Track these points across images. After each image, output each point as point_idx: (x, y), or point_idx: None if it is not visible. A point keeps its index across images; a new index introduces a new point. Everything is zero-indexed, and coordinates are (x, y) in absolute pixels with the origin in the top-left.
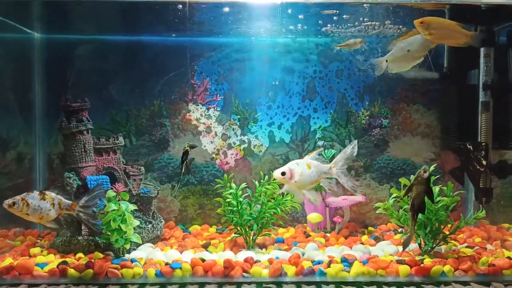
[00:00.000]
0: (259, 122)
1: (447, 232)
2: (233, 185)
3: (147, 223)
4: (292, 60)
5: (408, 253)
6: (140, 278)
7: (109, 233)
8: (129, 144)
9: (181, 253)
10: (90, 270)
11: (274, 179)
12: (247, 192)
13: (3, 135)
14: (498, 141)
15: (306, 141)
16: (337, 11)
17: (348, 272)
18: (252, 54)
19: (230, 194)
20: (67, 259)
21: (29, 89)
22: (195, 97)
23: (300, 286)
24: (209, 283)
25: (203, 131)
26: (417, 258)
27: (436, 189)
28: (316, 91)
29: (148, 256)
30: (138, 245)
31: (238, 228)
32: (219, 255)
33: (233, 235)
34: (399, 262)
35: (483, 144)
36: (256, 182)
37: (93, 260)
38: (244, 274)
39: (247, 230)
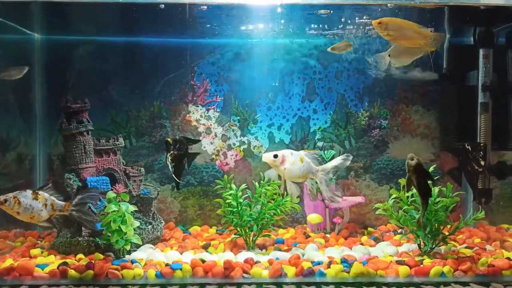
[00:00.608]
0: (259, 123)
1: (447, 233)
2: (233, 186)
3: (147, 224)
4: (292, 61)
5: (408, 254)
6: (140, 279)
7: (109, 234)
8: (129, 145)
9: (181, 254)
10: (91, 271)
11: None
12: (247, 193)
13: (3, 136)
14: (497, 142)
15: (305, 142)
16: (331, 11)
17: (348, 272)
18: (251, 55)
19: (230, 195)
20: (67, 260)
21: (29, 90)
22: (195, 98)
23: (300, 287)
24: (209, 284)
25: (203, 132)
26: (417, 258)
27: (435, 190)
28: (316, 92)
29: (148, 257)
30: (138, 246)
31: (238, 229)
32: (219, 256)
33: (233, 236)
34: (399, 262)
35: (481, 144)
36: (256, 183)
37: (93, 261)
38: (244, 275)
39: (247, 231)
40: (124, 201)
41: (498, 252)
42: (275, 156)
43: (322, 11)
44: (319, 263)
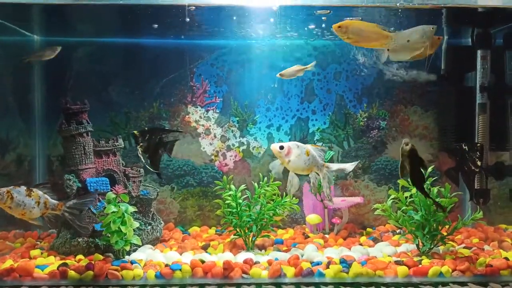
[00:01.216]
0: (258, 124)
1: (445, 233)
2: (232, 186)
3: (147, 224)
4: (291, 62)
5: (406, 254)
6: (140, 279)
7: (109, 235)
8: (128, 146)
9: (180, 254)
10: (90, 272)
11: (273, 180)
12: (246, 194)
13: (3, 137)
14: (495, 142)
15: (304, 143)
16: (330, 11)
17: (347, 273)
18: (250, 56)
19: (229, 195)
20: (67, 261)
21: (29, 91)
22: (194, 99)
23: (299, 287)
24: (209, 285)
25: (202, 133)
26: (415, 259)
27: (434, 191)
28: (315, 93)
29: (148, 258)
30: (138, 246)
31: (238, 229)
32: (218, 257)
33: (232, 236)
34: (398, 263)
35: (478, 145)
36: (255, 184)
37: (93, 262)
38: (244, 275)
39: (247, 231)
40: (124, 202)
41: (496, 252)
42: (281, 147)
43: (321, 12)
44: (318, 264)
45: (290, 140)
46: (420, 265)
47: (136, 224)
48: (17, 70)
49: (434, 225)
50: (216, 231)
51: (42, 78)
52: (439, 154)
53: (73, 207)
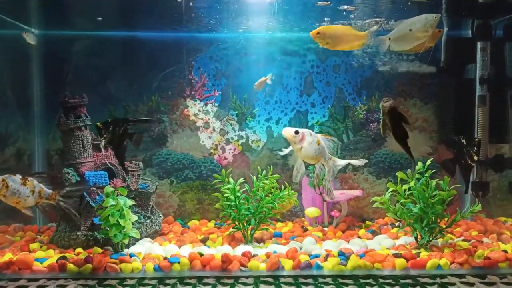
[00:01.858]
0: (257, 117)
1: (444, 226)
2: (231, 180)
3: (146, 218)
4: (290, 55)
5: (405, 247)
6: (138, 272)
7: (108, 228)
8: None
9: (179, 247)
10: (89, 265)
11: (271, 175)
12: (245, 187)
13: (2, 131)
14: (495, 134)
15: None
16: (330, 3)
17: (345, 265)
18: (249, 49)
19: (228, 189)
20: (66, 254)
21: (27, 85)
22: (193, 92)
23: (297, 280)
24: (207, 277)
25: (201, 126)
26: (414, 251)
27: (432, 183)
28: (314, 86)
29: (147, 251)
30: (137, 240)
31: (236, 222)
32: (217, 250)
33: (231, 229)
34: (396, 255)
35: (476, 140)
36: (254, 177)
37: (92, 255)
38: (242, 268)
39: (245, 224)
40: (122, 195)
41: (495, 245)
42: (296, 132)
43: (322, 3)
44: (316, 256)
45: None
46: (418, 258)
47: (135, 218)
48: (16, 64)
49: (433, 217)
50: (215, 224)
51: (41, 72)
52: (439, 146)
53: (67, 195)
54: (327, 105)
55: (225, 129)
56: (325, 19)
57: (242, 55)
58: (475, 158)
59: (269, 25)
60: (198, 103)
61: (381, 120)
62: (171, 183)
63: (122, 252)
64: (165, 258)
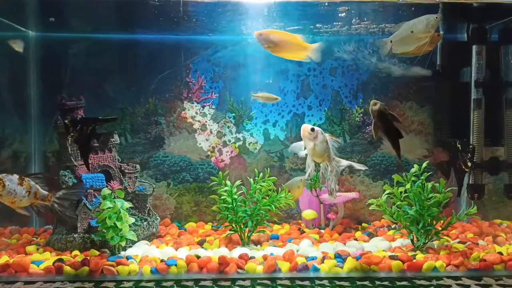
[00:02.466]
0: (254, 119)
1: (440, 228)
2: (228, 182)
3: (143, 220)
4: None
5: (401, 249)
6: (135, 275)
7: (105, 231)
8: (124, 142)
9: (176, 250)
10: (86, 267)
11: (268, 177)
12: (242, 189)
13: None
14: (490, 137)
15: (300, 139)
16: (348, 8)
17: (342, 267)
18: (247, 52)
19: (225, 191)
20: (63, 257)
21: (24, 87)
22: (190, 95)
23: (294, 282)
24: (204, 280)
25: (198, 128)
26: (410, 253)
27: (428, 186)
28: (311, 88)
29: (144, 253)
30: (133, 242)
31: (233, 225)
32: (214, 252)
33: (228, 232)
34: (392, 257)
35: (471, 146)
36: (251, 180)
37: (88, 258)
38: (239, 270)
39: (242, 227)
40: (119, 197)
41: (490, 247)
42: (312, 129)
43: (342, 9)
44: (313, 259)
45: (286, 136)
46: (414, 260)
47: (132, 220)
48: (12, 67)
49: (429, 220)
50: (212, 226)
51: (38, 74)
52: (434, 149)
53: (63, 197)
54: (324, 108)
55: (222, 131)
56: (322, 23)
57: (240, 57)
58: (469, 164)
59: (267, 28)
60: (196, 106)
61: (373, 123)
62: (168, 185)
63: (119, 255)
64: (162, 261)
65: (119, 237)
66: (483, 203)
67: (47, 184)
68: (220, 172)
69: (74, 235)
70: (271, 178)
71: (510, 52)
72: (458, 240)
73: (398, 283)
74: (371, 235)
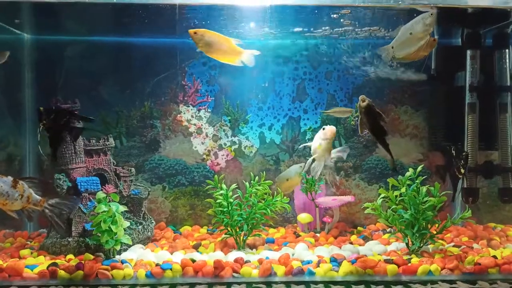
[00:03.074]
0: (250, 123)
1: (434, 232)
2: (224, 186)
3: (138, 224)
4: (282, 62)
5: (396, 253)
6: (130, 279)
7: (99, 235)
8: (119, 145)
9: (171, 254)
10: (81, 272)
11: (265, 181)
12: (238, 193)
13: None
14: (484, 142)
15: (296, 142)
16: (349, 11)
17: (337, 271)
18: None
19: (221, 195)
20: (57, 261)
21: (19, 90)
22: (186, 98)
23: (290, 286)
24: (200, 284)
25: (194, 132)
26: (405, 257)
27: (423, 189)
28: (306, 92)
29: (139, 257)
30: (128, 246)
31: (229, 228)
32: (209, 256)
33: (223, 235)
34: (387, 261)
35: (464, 153)
36: (247, 183)
37: (83, 262)
38: (234, 274)
39: (238, 230)
40: (114, 201)
41: (485, 250)
42: (323, 128)
43: (344, 12)
44: (308, 262)
45: (281, 139)
46: (409, 264)
47: (127, 224)
48: (7, 69)
49: (424, 223)
50: (207, 230)
51: (32, 77)
52: (429, 153)
53: (55, 205)
54: (320, 111)
55: (218, 135)
56: (315, 26)
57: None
58: (462, 171)
59: (261, 32)
60: (191, 109)
61: (359, 119)
62: (164, 189)
63: (113, 259)
64: (157, 265)
65: (114, 241)
66: (478, 206)
67: (41, 189)
68: (216, 176)
69: (69, 239)
70: (266, 181)
71: (504, 57)
72: (453, 243)
73: (393, 286)
74: (366, 239)
